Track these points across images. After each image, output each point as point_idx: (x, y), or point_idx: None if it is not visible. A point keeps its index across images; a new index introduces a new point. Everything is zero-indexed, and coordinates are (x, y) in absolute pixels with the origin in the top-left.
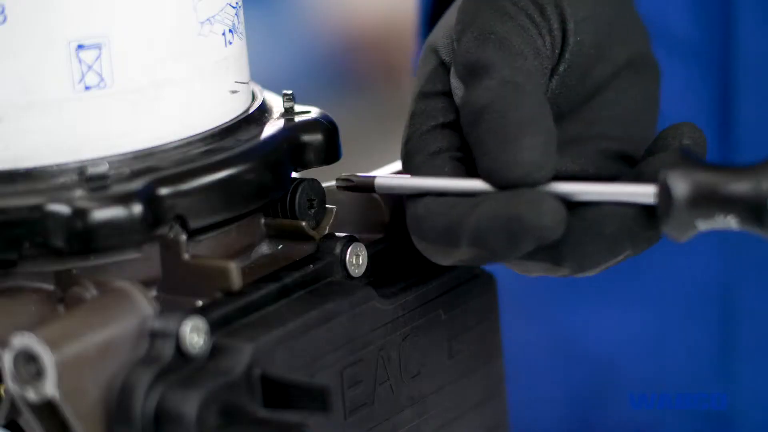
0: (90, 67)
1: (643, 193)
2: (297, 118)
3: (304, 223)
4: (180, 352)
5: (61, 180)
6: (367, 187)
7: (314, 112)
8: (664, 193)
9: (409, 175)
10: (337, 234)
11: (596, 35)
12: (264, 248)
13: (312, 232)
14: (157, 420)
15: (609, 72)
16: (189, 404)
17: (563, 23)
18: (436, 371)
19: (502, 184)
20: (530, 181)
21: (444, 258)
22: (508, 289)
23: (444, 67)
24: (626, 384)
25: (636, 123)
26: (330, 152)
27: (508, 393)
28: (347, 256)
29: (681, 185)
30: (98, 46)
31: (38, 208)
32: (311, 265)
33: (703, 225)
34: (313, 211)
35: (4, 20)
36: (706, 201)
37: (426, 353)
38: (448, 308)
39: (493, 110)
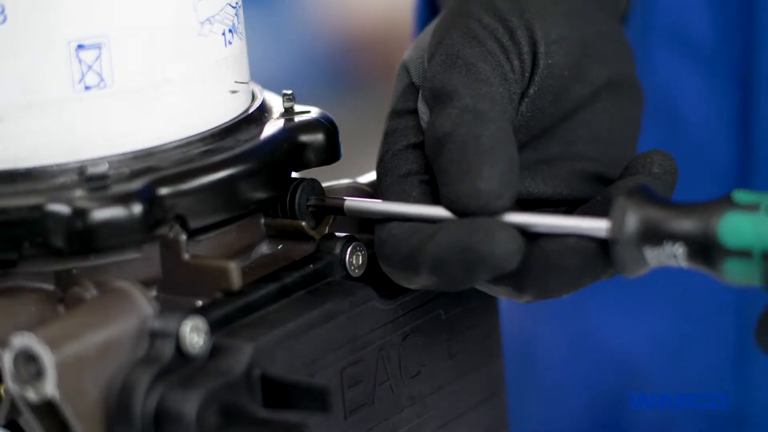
0: (90, 67)
1: (596, 228)
2: (297, 118)
3: (303, 223)
4: (180, 352)
5: (61, 180)
6: (336, 209)
7: (314, 112)
8: (614, 229)
9: (376, 200)
10: (337, 234)
11: (569, 56)
12: (264, 248)
13: (312, 232)
14: (157, 420)
15: (587, 92)
16: (189, 404)
17: (534, 46)
18: (435, 371)
19: (461, 213)
20: (488, 211)
21: (407, 282)
22: None
23: (414, 86)
24: (647, 385)
25: (613, 144)
26: (330, 152)
27: (530, 395)
28: (347, 256)
29: (629, 222)
30: (98, 46)
31: (38, 208)
32: (311, 265)
33: (654, 261)
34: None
35: (4, 20)
36: (654, 238)
37: (426, 353)
38: (448, 308)
39: (454, 139)
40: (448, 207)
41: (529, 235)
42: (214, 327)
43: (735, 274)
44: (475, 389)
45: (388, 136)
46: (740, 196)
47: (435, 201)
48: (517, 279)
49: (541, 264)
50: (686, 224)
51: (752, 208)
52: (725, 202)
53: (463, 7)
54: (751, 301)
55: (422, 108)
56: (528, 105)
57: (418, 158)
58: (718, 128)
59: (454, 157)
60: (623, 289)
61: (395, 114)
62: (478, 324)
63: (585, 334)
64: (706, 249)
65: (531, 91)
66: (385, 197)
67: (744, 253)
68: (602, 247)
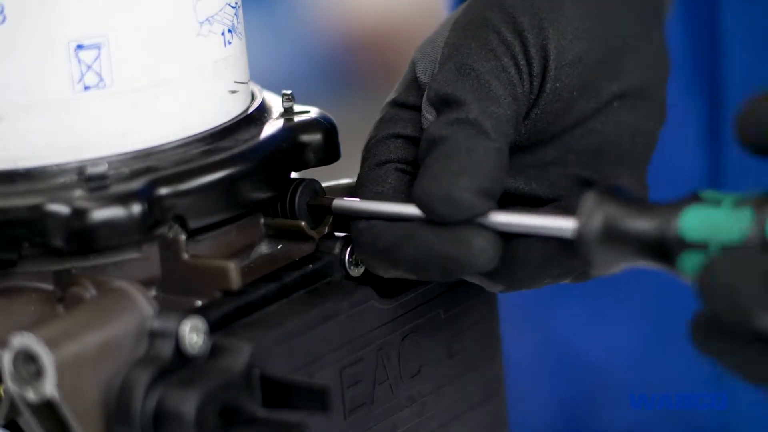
0: (89, 67)
1: (563, 227)
2: (296, 118)
3: (303, 223)
4: (179, 352)
5: (61, 180)
6: (326, 208)
7: (314, 112)
8: (579, 230)
9: (362, 200)
10: (336, 234)
11: (580, 78)
12: (263, 248)
13: (311, 232)
14: (156, 420)
15: (593, 106)
16: (188, 404)
17: (544, 68)
18: (435, 371)
19: (430, 215)
20: (452, 218)
21: (385, 273)
22: (503, 296)
23: (417, 82)
24: (620, 391)
25: (616, 154)
26: (329, 152)
27: None
28: (346, 256)
29: (593, 221)
30: (97, 46)
31: (38, 208)
32: (311, 265)
33: (622, 261)
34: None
35: (4, 20)
36: (618, 237)
37: (425, 353)
38: (448, 308)
39: (447, 145)
40: (415, 202)
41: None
42: (214, 327)
43: (691, 268)
44: (475, 389)
45: (380, 122)
46: (707, 193)
47: (410, 190)
48: (489, 271)
49: (509, 257)
50: (645, 222)
51: (715, 203)
52: (691, 199)
53: (481, 15)
54: None
55: (426, 107)
56: (529, 125)
57: (400, 148)
58: (688, 135)
59: (441, 158)
60: (591, 296)
61: (393, 104)
62: (478, 324)
63: (552, 341)
64: (664, 243)
65: (534, 113)
66: (362, 183)
67: (701, 246)
68: (564, 243)
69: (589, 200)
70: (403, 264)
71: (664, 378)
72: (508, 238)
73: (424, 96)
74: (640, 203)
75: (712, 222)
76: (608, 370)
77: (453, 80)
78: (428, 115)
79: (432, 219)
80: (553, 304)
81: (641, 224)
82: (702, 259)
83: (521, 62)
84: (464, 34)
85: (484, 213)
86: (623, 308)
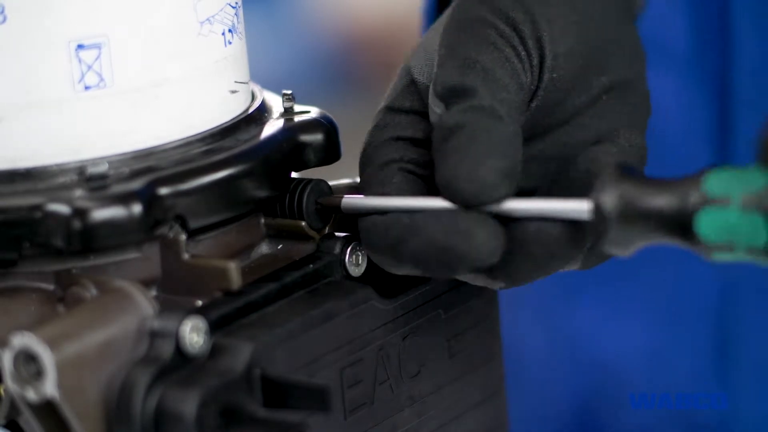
0: (90, 67)
1: (578, 209)
2: (297, 118)
3: (303, 223)
4: (180, 352)
5: (61, 180)
6: (334, 207)
7: (314, 112)
8: (597, 210)
9: (374, 196)
10: (336, 234)
11: (573, 70)
12: (264, 248)
13: (312, 232)
14: (156, 420)
15: (583, 101)
16: (188, 404)
17: (542, 59)
18: (435, 371)
19: (455, 198)
20: (480, 200)
21: (394, 269)
22: (512, 293)
23: (414, 86)
24: (629, 388)
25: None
26: (330, 152)
27: (512, 397)
28: (347, 256)
29: (610, 201)
30: (98, 46)
31: (38, 208)
32: (311, 265)
33: (641, 240)
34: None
35: (4, 20)
36: (637, 216)
37: (426, 353)
38: (448, 308)
39: (466, 130)
40: (442, 189)
41: (504, 218)
42: (214, 327)
43: (712, 226)
44: (475, 389)
45: (376, 129)
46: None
47: (416, 189)
48: (489, 267)
49: (508, 252)
50: (664, 195)
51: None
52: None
53: (473, 14)
54: (733, 305)
55: (434, 102)
56: (527, 117)
57: (401, 149)
58: (697, 136)
59: (461, 145)
60: (605, 293)
61: (388, 110)
62: (478, 324)
63: (566, 339)
64: (683, 211)
65: (533, 104)
66: (366, 187)
67: (723, 201)
68: (565, 233)
69: (605, 179)
70: (407, 259)
71: (675, 377)
72: (508, 228)
73: (430, 92)
74: (654, 180)
75: (737, 175)
76: (622, 367)
77: (460, 73)
78: (437, 108)
79: (456, 202)
80: (568, 300)
81: (659, 198)
82: (724, 216)
83: (522, 53)
84: (460, 34)
85: (508, 195)
86: (637, 305)
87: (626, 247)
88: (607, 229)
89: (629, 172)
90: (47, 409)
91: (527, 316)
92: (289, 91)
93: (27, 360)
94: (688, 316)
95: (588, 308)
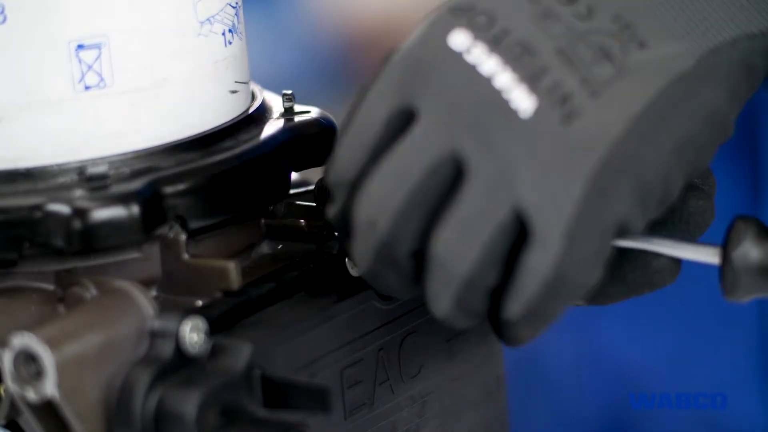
0: (90, 67)
1: (710, 254)
2: (297, 118)
3: (304, 223)
4: (180, 352)
5: (61, 180)
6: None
7: (314, 112)
8: (731, 263)
9: None
10: (337, 234)
11: None
12: (264, 248)
13: (312, 232)
14: (157, 420)
15: None
16: (189, 404)
17: None
18: (435, 371)
19: None
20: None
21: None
22: None
23: None
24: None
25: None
26: (330, 152)
27: (540, 406)
28: (347, 257)
29: (748, 255)
30: (98, 46)
31: (38, 208)
32: (311, 265)
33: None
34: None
35: (4, 20)
36: None
37: (426, 353)
38: None
39: None
40: None
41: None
42: (214, 327)
43: None
44: (475, 389)
45: None
46: None
47: None
48: None
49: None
50: None
51: None
52: None
53: None
54: None
55: None
56: None
57: None
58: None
59: None
60: (633, 303)
61: None
62: (478, 324)
63: (592, 348)
64: None
65: None
66: None
67: None
68: (666, 266)
69: (739, 231)
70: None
71: (704, 386)
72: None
73: None
74: None
75: None
76: (650, 377)
77: None
78: None
79: None
80: (596, 309)
81: None
82: None
83: None
84: None
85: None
86: (664, 316)
87: (748, 298)
88: (738, 283)
89: (759, 223)
90: (47, 409)
91: (555, 326)
92: (289, 91)
93: (27, 360)
94: (722, 326)
95: (616, 318)
